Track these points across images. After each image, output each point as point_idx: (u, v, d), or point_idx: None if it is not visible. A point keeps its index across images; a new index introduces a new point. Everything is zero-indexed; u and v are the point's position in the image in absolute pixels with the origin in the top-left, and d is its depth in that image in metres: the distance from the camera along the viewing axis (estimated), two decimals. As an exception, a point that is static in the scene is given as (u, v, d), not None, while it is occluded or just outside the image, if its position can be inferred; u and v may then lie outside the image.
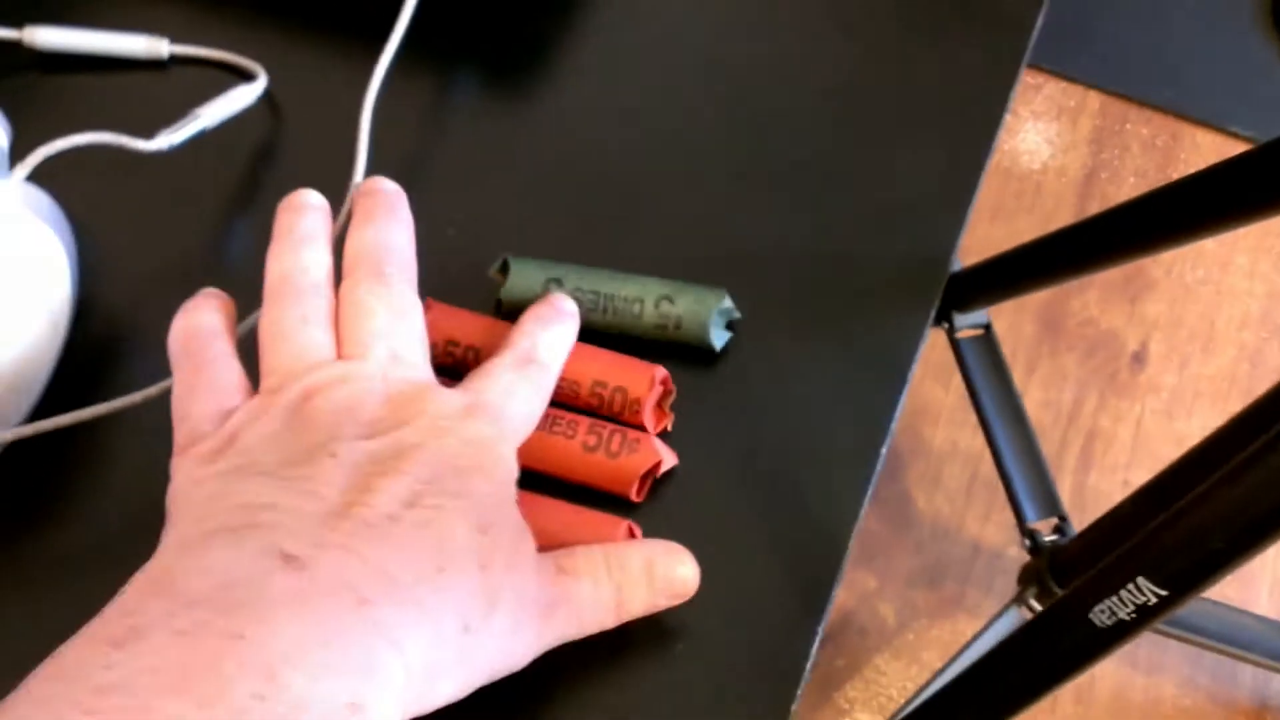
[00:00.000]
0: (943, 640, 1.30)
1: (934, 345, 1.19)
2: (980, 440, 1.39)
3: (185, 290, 0.45)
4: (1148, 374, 1.49)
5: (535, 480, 0.38)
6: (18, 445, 0.41)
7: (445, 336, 0.42)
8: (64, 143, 0.43)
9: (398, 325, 0.37)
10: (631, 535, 0.38)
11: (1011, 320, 1.51)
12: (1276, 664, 1.03)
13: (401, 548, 0.30)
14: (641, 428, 0.41)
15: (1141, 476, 1.39)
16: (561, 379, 0.40)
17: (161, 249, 0.46)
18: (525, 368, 0.38)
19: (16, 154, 0.43)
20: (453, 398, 0.35)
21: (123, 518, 0.41)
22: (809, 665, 0.38)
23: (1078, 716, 1.28)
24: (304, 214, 0.39)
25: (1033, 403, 1.45)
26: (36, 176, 0.42)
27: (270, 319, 0.37)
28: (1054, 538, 0.93)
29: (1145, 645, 1.29)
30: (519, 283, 0.43)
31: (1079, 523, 0.93)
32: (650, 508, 0.40)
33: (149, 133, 0.46)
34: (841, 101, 0.51)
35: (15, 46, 0.50)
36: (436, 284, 0.41)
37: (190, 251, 0.47)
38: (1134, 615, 0.53)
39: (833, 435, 0.42)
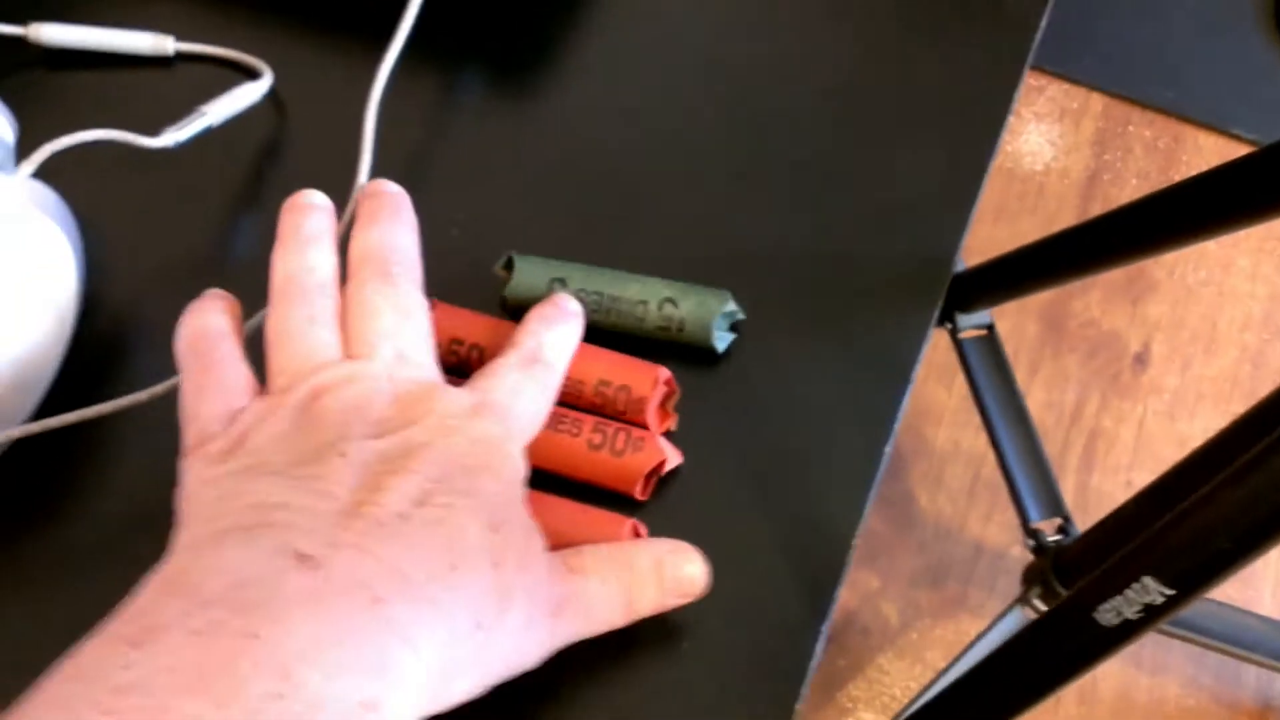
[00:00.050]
0: (946, 640, 1.30)
1: (936, 346, 1.19)
2: (982, 441, 1.39)
3: (191, 287, 0.45)
4: (1150, 375, 1.49)
5: (540, 478, 0.38)
6: (24, 442, 0.41)
7: (450, 336, 0.42)
8: (70, 139, 0.43)
9: (404, 325, 0.37)
10: (636, 534, 0.38)
11: (1014, 321, 1.51)
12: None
13: (414, 546, 0.30)
14: (645, 427, 0.41)
15: (1144, 477, 1.39)
16: (566, 378, 0.40)
17: (167, 246, 0.47)
18: (531, 367, 0.38)
19: (22, 150, 0.43)
20: (460, 397, 0.35)
21: (128, 515, 0.41)
22: (813, 664, 0.38)
23: (1081, 717, 1.28)
24: (308, 214, 0.39)
25: (1035, 403, 1.45)
26: (42, 173, 0.42)
27: (277, 319, 0.37)
28: (1057, 538, 0.93)
29: (1149, 645, 1.29)
30: (524, 280, 0.43)
31: (1082, 523, 0.93)
32: (654, 506, 0.41)
33: (154, 130, 0.46)
34: (844, 101, 0.51)
35: (21, 43, 0.50)
36: (440, 283, 0.41)
37: (196, 248, 0.47)
38: (1140, 615, 0.53)
39: (836, 435, 0.42)
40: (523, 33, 0.53)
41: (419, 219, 0.40)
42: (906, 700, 1.24)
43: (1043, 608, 0.90)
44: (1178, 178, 1.61)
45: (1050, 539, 0.93)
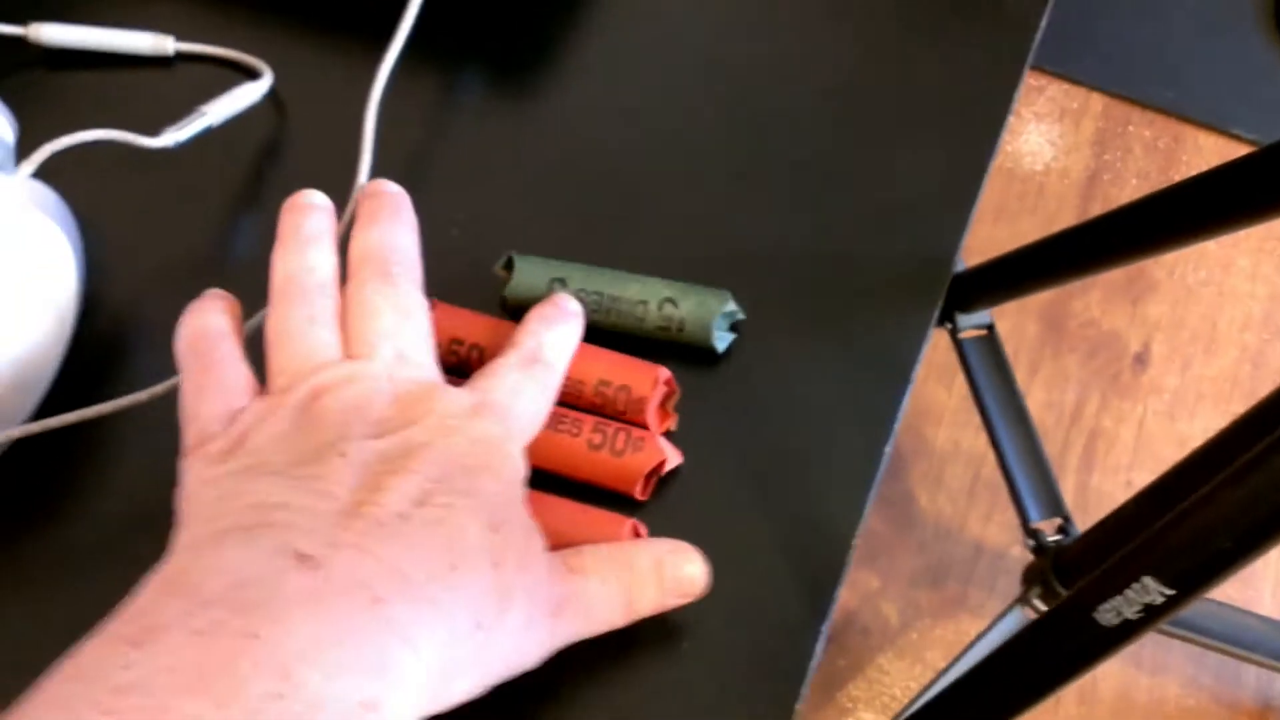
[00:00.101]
0: (946, 640, 1.31)
1: (936, 346, 1.19)
2: (982, 441, 1.39)
3: (191, 287, 0.45)
4: (1150, 375, 1.49)
5: (540, 478, 0.38)
6: (24, 442, 0.41)
7: (449, 335, 0.42)
8: (70, 139, 0.43)
9: (404, 325, 0.37)
10: (636, 534, 0.38)
11: (1014, 321, 1.51)
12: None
13: (413, 546, 0.30)
14: (645, 427, 0.41)
15: (1144, 477, 1.39)
16: (566, 378, 0.40)
17: (167, 246, 0.47)
18: (531, 367, 0.38)
19: (22, 150, 0.43)
20: (460, 397, 0.35)
21: (128, 515, 0.41)
22: (813, 664, 0.38)
23: (1081, 717, 1.28)
24: (308, 214, 0.39)
25: (1035, 403, 1.45)
26: (42, 173, 0.42)
27: (277, 319, 0.37)
28: (1057, 538, 0.93)
29: (1149, 645, 1.29)
30: (524, 280, 0.43)
31: (1082, 523, 0.93)
32: (654, 507, 0.41)
33: (155, 130, 0.46)
34: (844, 101, 0.51)
35: (21, 43, 0.50)
36: (440, 283, 0.41)
37: (196, 248, 0.47)
38: (1140, 615, 0.53)
39: (836, 435, 0.42)
40: (523, 33, 0.53)
41: (419, 218, 0.41)
42: (906, 700, 1.24)
43: (1043, 608, 0.90)
44: (1178, 178, 1.61)
45: (1050, 539, 0.93)
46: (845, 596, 1.31)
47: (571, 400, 0.41)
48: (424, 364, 0.37)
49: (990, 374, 0.97)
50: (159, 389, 0.40)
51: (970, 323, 0.98)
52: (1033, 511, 0.94)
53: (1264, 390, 1.01)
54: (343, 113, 0.48)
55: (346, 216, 0.43)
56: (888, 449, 0.42)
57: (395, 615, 0.29)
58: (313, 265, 0.38)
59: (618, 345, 0.42)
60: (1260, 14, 1.75)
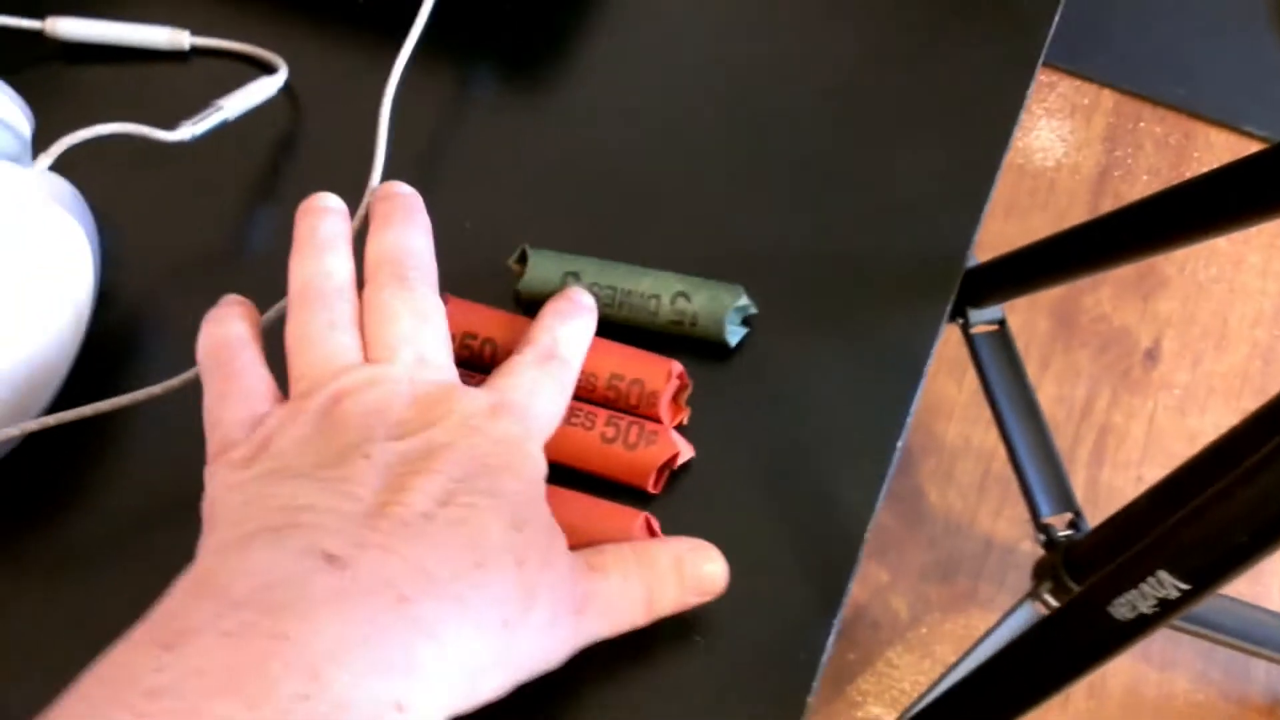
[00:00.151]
0: (955, 634, 1.30)
1: (946, 341, 1.19)
2: (992, 436, 1.39)
3: (206, 281, 0.45)
4: (1160, 371, 1.49)
5: (553, 471, 0.38)
6: (39, 435, 0.41)
7: (462, 330, 0.42)
8: (87, 133, 0.44)
9: (422, 328, 0.37)
10: (649, 527, 0.38)
11: (1025, 316, 1.50)
12: (1289, 660, 1.03)
13: (439, 545, 0.30)
14: (658, 421, 0.41)
15: (1154, 472, 1.39)
16: (579, 372, 0.40)
17: (183, 239, 0.47)
18: (547, 364, 0.38)
19: (39, 144, 0.43)
20: (479, 397, 0.35)
21: (143, 509, 0.41)
22: (824, 658, 0.38)
23: (1090, 712, 1.28)
24: (323, 218, 0.39)
25: (1046, 398, 1.45)
26: (59, 166, 0.42)
27: (297, 325, 0.37)
28: (1068, 533, 0.93)
29: (1159, 640, 1.29)
30: (537, 274, 0.43)
31: (1092, 518, 0.93)
32: (667, 500, 0.41)
33: (171, 124, 0.46)
34: (858, 99, 0.51)
35: (38, 37, 0.51)
36: (453, 277, 0.42)
37: (211, 242, 0.47)
38: (1155, 609, 0.53)
39: (848, 430, 0.42)
40: (537, 29, 0.53)
41: (432, 213, 0.41)
42: (916, 694, 1.24)
43: (1053, 603, 0.90)
44: (1189, 174, 1.61)
45: (1061, 534, 0.93)
46: (855, 590, 1.30)
47: (584, 394, 0.41)
48: (443, 366, 0.37)
49: (1002, 369, 0.97)
50: (174, 382, 0.40)
51: (982, 318, 0.98)
52: (1044, 506, 0.94)
53: (1275, 386, 1.01)
54: (357, 107, 0.49)
55: (359, 215, 0.43)
56: (900, 444, 0.42)
57: (422, 614, 0.29)
58: (330, 270, 0.38)
59: (630, 339, 0.42)
60: (1272, 11, 1.75)
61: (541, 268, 0.43)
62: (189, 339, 0.38)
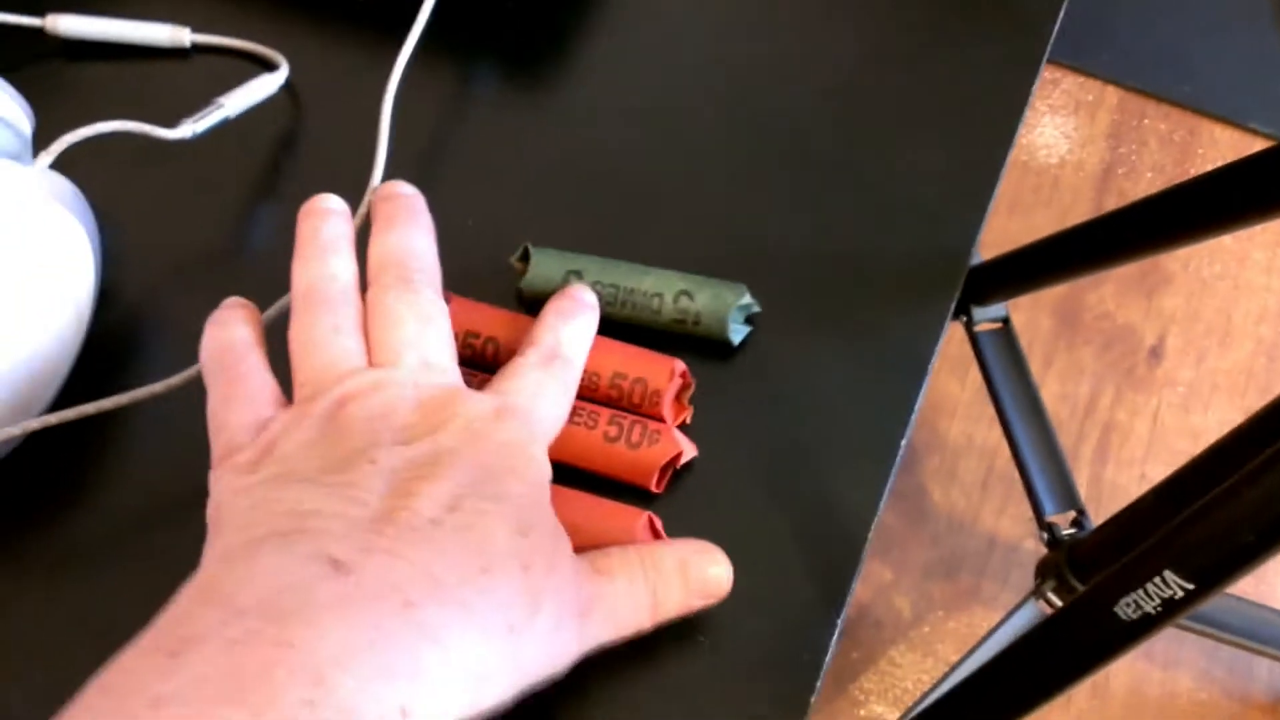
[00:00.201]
0: (958, 633, 1.30)
1: (949, 338, 1.19)
2: (995, 434, 1.39)
3: (207, 279, 0.45)
4: (1164, 368, 1.49)
5: (556, 470, 0.38)
6: (40, 434, 0.41)
7: (464, 328, 0.42)
8: (87, 131, 0.44)
9: (426, 331, 0.37)
10: (652, 526, 0.38)
11: (1028, 314, 1.50)
12: (1293, 659, 1.03)
13: (444, 550, 0.30)
14: (660, 420, 0.41)
15: (1158, 470, 1.39)
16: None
17: (184, 238, 0.47)
18: (550, 364, 0.38)
19: (40, 142, 0.43)
20: (483, 401, 0.35)
21: (145, 508, 0.41)
22: (828, 657, 0.38)
23: (1093, 710, 1.27)
24: (325, 220, 0.39)
25: (1049, 396, 1.45)
26: (60, 164, 0.42)
27: (300, 328, 0.37)
28: (1072, 531, 0.93)
29: (1162, 639, 1.29)
30: (540, 273, 0.43)
31: (1096, 516, 0.93)
32: (670, 499, 0.40)
33: (171, 121, 0.46)
34: (859, 98, 0.51)
35: (38, 34, 0.51)
36: (454, 275, 0.41)
37: (212, 240, 0.47)
38: (1159, 609, 0.52)
39: (851, 429, 0.42)
40: (538, 28, 0.53)
41: (434, 211, 0.41)
42: (919, 693, 1.24)
43: (1057, 601, 0.90)
44: (1193, 171, 1.61)
45: (1065, 532, 0.93)
46: (858, 589, 1.30)
47: (587, 393, 0.41)
48: (447, 369, 0.37)
49: (1005, 367, 0.97)
50: (175, 381, 0.40)
51: (986, 316, 0.98)
52: (1047, 505, 0.93)
53: (1279, 383, 1.01)
54: (358, 105, 0.48)
55: (361, 213, 0.43)
56: (904, 442, 0.42)
57: (427, 619, 0.29)
58: (334, 273, 0.38)
59: (632, 338, 0.42)
60: (1276, 8, 1.74)
61: (544, 266, 0.43)
62: (190, 337, 0.38)
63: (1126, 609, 0.54)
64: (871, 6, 0.53)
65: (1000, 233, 1.55)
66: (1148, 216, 0.71)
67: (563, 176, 0.48)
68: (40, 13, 0.50)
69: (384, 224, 0.39)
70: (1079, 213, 1.60)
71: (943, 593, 1.32)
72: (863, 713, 1.26)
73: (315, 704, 0.26)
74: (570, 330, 0.39)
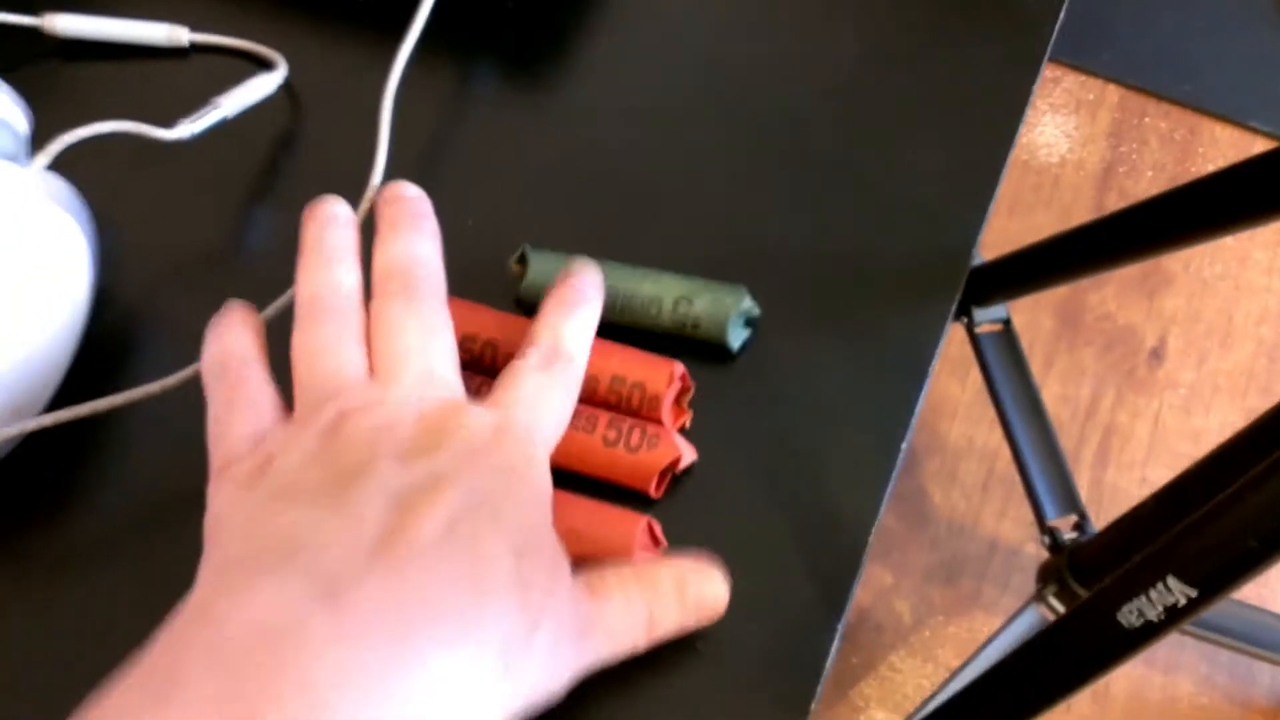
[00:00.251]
0: (959, 638, 1.30)
1: (949, 340, 1.18)
2: (996, 436, 1.39)
3: (205, 280, 0.45)
4: (1166, 369, 1.49)
5: (555, 474, 0.38)
6: (37, 435, 0.41)
7: (462, 332, 0.41)
8: (84, 131, 0.43)
9: (430, 342, 0.36)
10: (651, 531, 0.38)
11: (1029, 315, 1.50)
12: (1294, 663, 1.03)
13: (441, 576, 0.30)
14: (660, 423, 0.40)
15: (1159, 472, 1.39)
16: None
17: (181, 238, 0.46)
18: (552, 365, 0.37)
19: (37, 142, 0.43)
20: (483, 417, 0.35)
21: (141, 509, 0.41)
22: (829, 663, 0.38)
23: (1094, 716, 1.27)
24: (331, 227, 0.38)
25: (1050, 398, 1.45)
26: (56, 165, 0.42)
27: (303, 338, 0.36)
28: (1074, 535, 0.93)
29: (1162, 643, 1.28)
30: (538, 277, 0.43)
31: (1096, 519, 0.93)
32: (669, 504, 0.40)
33: (169, 121, 0.45)
34: (859, 98, 0.51)
35: (35, 33, 0.50)
36: (454, 277, 0.41)
37: (210, 241, 0.47)
38: (1163, 616, 0.52)
39: (851, 432, 0.42)
40: (538, 28, 0.52)
41: (434, 211, 0.40)
42: (919, 699, 1.24)
43: (1058, 606, 0.90)
44: (1194, 170, 1.61)
45: (1067, 536, 0.93)
46: (859, 593, 1.30)
47: (586, 397, 0.40)
48: (449, 381, 0.36)
49: (1006, 369, 0.97)
50: (172, 381, 0.40)
51: (986, 317, 0.98)
52: (1049, 509, 0.93)
53: (1280, 385, 1.01)
54: (357, 105, 0.48)
55: (361, 212, 0.42)
56: (904, 445, 0.42)
57: (423, 644, 0.29)
58: (337, 282, 0.37)
59: (631, 339, 0.42)
60: (1277, 7, 1.74)
61: (541, 269, 0.43)
62: (187, 338, 0.38)
63: (1129, 616, 0.54)
64: (871, 6, 0.53)
65: (1001, 232, 1.55)
66: (1149, 218, 0.71)
67: (562, 176, 0.48)
68: (37, 11, 0.50)
69: (389, 229, 0.39)
70: (1079, 212, 1.59)
71: (943, 597, 1.32)
72: (863, 718, 1.26)
73: None
74: (572, 326, 0.38)
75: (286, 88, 0.50)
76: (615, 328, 0.42)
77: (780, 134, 0.49)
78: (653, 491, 0.39)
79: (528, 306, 0.43)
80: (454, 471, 0.32)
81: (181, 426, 0.39)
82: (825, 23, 0.53)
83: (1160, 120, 1.67)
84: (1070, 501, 0.94)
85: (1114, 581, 0.56)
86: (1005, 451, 0.96)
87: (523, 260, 0.43)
